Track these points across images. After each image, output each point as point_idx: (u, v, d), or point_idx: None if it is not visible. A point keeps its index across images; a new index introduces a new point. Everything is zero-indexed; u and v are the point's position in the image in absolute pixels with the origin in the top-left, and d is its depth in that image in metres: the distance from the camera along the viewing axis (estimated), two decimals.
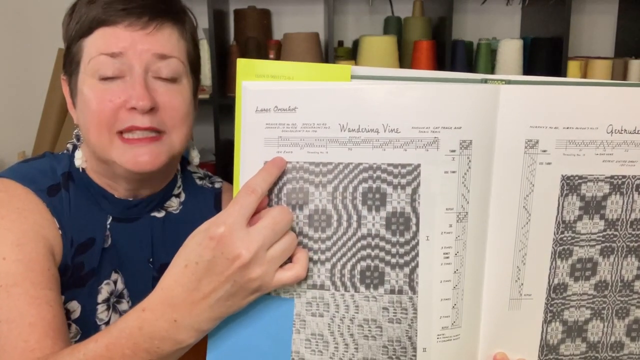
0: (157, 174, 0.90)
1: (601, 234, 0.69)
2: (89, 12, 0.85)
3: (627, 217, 0.69)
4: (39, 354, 0.73)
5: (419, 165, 0.63)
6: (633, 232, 0.69)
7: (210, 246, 0.62)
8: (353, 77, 0.64)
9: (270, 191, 0.66)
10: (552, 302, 0.70)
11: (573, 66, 2.19)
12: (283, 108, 0.64)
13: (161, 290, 0.65)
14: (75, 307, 0.89)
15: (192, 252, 0.63)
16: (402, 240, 0.65)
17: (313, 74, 0.65)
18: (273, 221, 0.62)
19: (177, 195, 1.00)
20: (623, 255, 0.70)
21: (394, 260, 0.65)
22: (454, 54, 2.22)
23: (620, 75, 2.22)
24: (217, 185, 1.06)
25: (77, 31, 0.87)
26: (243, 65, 0.65)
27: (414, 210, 0.64)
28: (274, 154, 0.65)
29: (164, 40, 0.86)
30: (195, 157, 1.01)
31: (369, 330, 0.68)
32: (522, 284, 0.69)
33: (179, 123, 0.87)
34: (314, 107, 0.64)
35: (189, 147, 1.01)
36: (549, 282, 0.69)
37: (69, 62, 0.89)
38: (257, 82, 0.65)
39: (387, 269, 0.66)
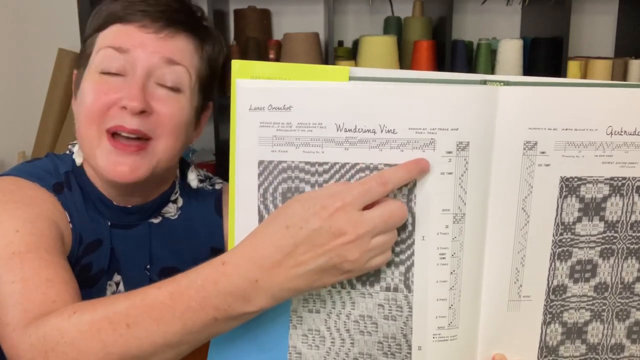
0: (144, 184, 0.88)
1: (601, 236, 0.68)
2: (109, 8, 0.87)
3: (628, 219, 0.68)
4: (60, 306, 0.69)
5: None
6: (633, 234, 0.69)
7: (321, 215, 0.59)
8: (351, 78, 0.64)
9: (266, 191, 0.66)
10: (552, 304, 0.70)
11: (573, 66, 2.19)
12: (277, 107, 0.63)
13: (250, 246, 0.62)
14: None
15: (298, 216, 0.60)
16: (397, 238, 0.64)
17: (311, 75, 0.64)
18: (389, 214, 0.61)
19: (174, 201, 0.99)
20: (623, 257, 0.69)
21: None
22: (454, 54, 2.22)
23: (620, 75, 2.22)
24: (217, 187, 1.06)
25: (93, 25, 0.88)
26: (238, 67, 0.64)
27: (410, 209, 0.64)
28: (268, 153, 0.65)
29: (176, 48, 0.86)
30: (192, 180, 1.01)
31: (364, 326, 0.68)
32: (521, 286, 0.69)
33: (168, 131, 0.85)
34: (309, 107, 0.63)
35: (186, 169, 1.01)
36: (548, 284, 0.69)
37: (82, 55, 0.90)
38: (251, 80, 0.64)
39: (383, 267, 0.65)
